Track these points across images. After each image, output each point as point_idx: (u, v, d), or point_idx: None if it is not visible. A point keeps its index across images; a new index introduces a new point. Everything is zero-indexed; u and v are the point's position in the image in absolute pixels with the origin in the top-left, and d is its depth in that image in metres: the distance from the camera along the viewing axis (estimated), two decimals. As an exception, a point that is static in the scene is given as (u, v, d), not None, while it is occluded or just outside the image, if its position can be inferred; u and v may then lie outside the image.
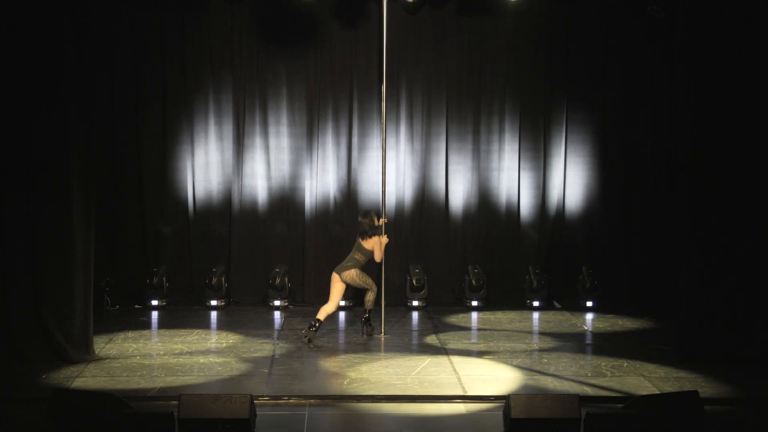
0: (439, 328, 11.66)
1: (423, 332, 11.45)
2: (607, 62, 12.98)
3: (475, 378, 9.40)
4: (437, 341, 10.94)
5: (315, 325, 10.73)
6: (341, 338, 11.14)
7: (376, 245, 10.82)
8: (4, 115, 9.67)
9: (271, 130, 12.97)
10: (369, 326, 11.08)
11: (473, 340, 11.19)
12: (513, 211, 13.20)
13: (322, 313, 10.78)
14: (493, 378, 9.43)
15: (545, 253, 13.25)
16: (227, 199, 13.04)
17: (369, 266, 11.01)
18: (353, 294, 12.60)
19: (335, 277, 10.88)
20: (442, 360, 10.05)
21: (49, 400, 7.63)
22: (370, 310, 11.03)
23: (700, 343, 10.00)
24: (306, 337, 10.71)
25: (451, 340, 11.04)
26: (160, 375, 9.40)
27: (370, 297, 10.97)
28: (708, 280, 10.00)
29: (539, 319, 12.40)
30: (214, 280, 12.61)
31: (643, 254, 12.80)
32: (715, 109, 9.95)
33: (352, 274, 10.86)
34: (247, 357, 10.10)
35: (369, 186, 12.92)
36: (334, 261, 12.79)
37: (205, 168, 12.99)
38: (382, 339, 11.00)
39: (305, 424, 8.04)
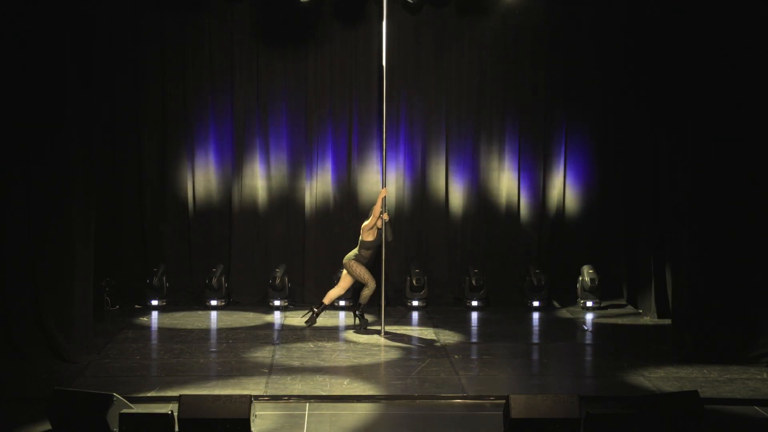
0: (439, 328, 11.65)
1: (423, 332, 11.44)
2: (607, 62, 12.96)
3: (475, 378, 9.41)
4: (437, 341, 10.94)
5: (314, 310, 11.45)
6: (341, 338, 11.14)
7: (371, 219, 11.20)
8: (4, 115, 9.67)
9: (271, 129, 12.96)
10: (363, 320, 11.33)
11: (473, 340, 11.19)
12: (513, 211, 13.18)
13: (327, 298, 11.45)
14: (493, 378, 9.43)
15: (545, 253, 13.25)
16: (227, 199, 13.03)
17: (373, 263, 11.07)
18: (354, 294, 12.60)
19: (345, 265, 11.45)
20: (442, 360, 10.05)
21: (49, 400, 7.63)
22: (361, 305, 11.37)
23: (700, 343, 10.01)
24: (306, 320, 11.37)
25: (451, 340, 11.05)
26: (160, 375, 9.41)
27: (365, 293, 11.35)
28: (708, 279, 10.01)
29: (539, 319, 12.40)
30: (214, 280, 12.61)
31: (642, 254, 12.78)
32: (716, 109, 9.98)
33: (351, 264, 11.32)
34: (247, 357, 10.10)
35: (369, 186, 12.91)
36: (334, 261, 12.85)
37: (205, 168, 12.98)
38: (382, 339, 11.00)
39: (305, 424, 8.04)
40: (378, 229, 11.20)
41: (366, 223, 11.29)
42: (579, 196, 13.26)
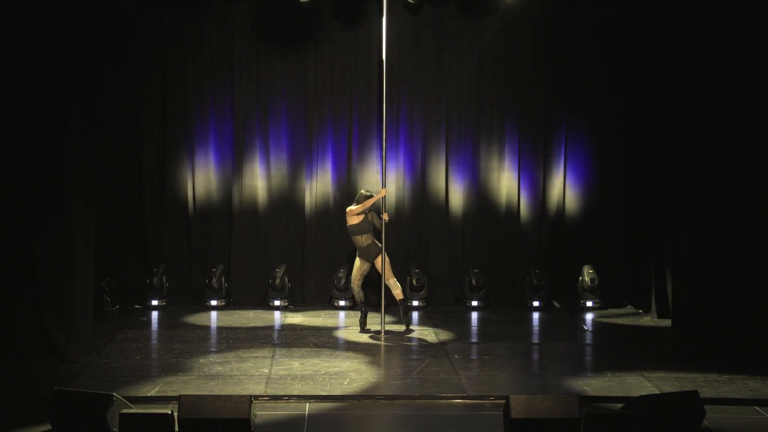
0: (439, 328, 11.65)
1: (423, 332, 11.44)
2: (607, 62, 12.95)
3: (475, 378, 9.41)
4: (437, 341, 10.94)
5: (406, 306, 11.47)
6: (341, 338, 11.13)
7: (359, 207, 11.14)
8: (5, 115, 9.67)
9: (271, 129, 12.95)
10: (364, 315, 11.43)
11: (473, 340, 11.19)
12: (513, 211, 13.17)
13: (397, 294, 11.33)
14: (493, 378, 9.43)
15: (545, 253, 13.24)
16: (227, 199, 13.02)
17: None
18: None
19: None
20: (442, 360, 10.05)
21: (49, 400, 7.63)
22: (361, 302, 11.46)
23: (700, 343, 10.00)
24: (407, 325, 11.44)
25: (451, 340, 11.05)
26: (160, 375, 9.40)
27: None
28: (707, 280, 10.01)
29: (539, 319, 12.40)
30: (214, 280, 12.60)
31: (642, 254, 12.78)
32: (716, 109, 9.98)
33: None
34: (248, 357, 10.10)
35: (369, 186, 12.84)
36: (334, 261, 12.87)
37: (205, 168, 12.97)
38: (382, 339, 11.00)
39: (305, 424, 8.04)
40: (366, 215, 11.15)
41: (353, 207, 11.18)
42: (579, 196, 13.25)
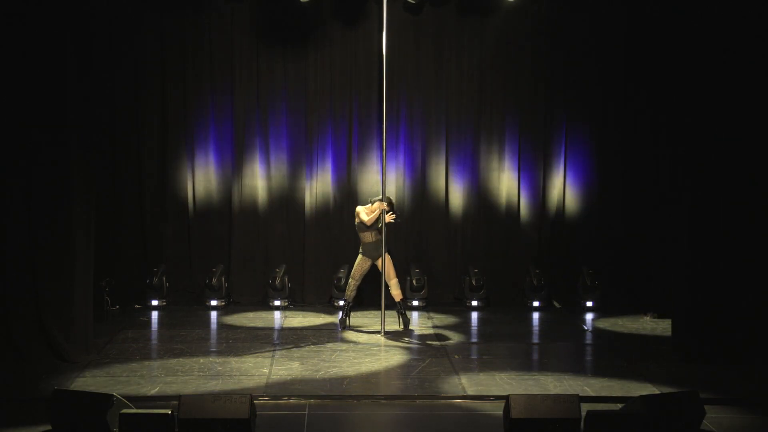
0: (439, 328, 11.65)
1: (423, 332, 11.44)
2: (607, 62, 12.96)
3: (475, 378, 9.41)
4: (437, 341, 10.94)
5: (405, 307, 11.58)
6: (341, 338, 11.13)
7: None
8: (5, 115, 9.67)
9: (271, 129, 12.96)
10: (346, 317, 11.48)
11: (473, 340, 11.19)
12: (513, 211, 13.18)
13: (396, 294, 11.37)
14: (493, 378, 9.43)
15: (545, 253, 13.24)
16: (227, 199, 13.03)
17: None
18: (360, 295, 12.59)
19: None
20: (442, 360, 10.05)
21: (49, 400, 7.63)
22: (349, 302, 11.51)
23: (700, 343, 10.01)
24: (406, 325, 11.41)
25: (451, 340, 11.05)
26: (160, 375, 9.40)
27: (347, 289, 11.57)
28: (707, 280, 10.01)
29: (539, 319, 12.41)
30: (214, 280, 12.61)
31: (642, 254, 12.79)
32: (716, 109, 9.97)
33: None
34: (247, 357, 10.10)
35: (369, 186, 12.90)
36: (334, 261, 12.86)
37: (205, 168, 12.98)
38: (382, 339, 11.00)
39: (305, 424, 8.04)
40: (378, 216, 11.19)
41: (363, 211, 11.28)
42: (579, 196, 13.25)
